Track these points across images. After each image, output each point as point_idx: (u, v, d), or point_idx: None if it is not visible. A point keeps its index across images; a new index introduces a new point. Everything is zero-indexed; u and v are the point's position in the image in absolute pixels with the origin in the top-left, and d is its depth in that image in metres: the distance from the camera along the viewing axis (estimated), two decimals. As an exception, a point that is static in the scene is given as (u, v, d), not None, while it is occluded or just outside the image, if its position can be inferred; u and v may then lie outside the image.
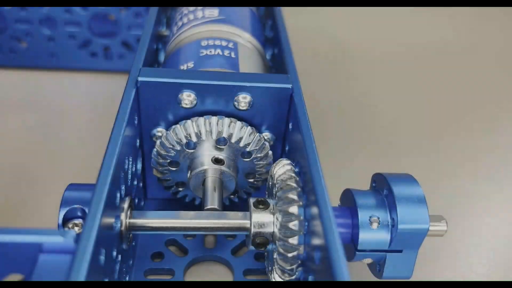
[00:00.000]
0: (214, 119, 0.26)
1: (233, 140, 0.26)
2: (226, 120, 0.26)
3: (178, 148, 0.26)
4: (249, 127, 0.26)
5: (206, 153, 0.26)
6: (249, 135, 0.26)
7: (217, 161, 0.26)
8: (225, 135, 0.26)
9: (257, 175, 0.28)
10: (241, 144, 0.26)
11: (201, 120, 0.26)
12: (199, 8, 0.33)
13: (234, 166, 0.26)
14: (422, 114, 0.44)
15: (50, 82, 0.44)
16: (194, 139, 0.26)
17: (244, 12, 0.35)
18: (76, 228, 0.21)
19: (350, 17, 0.60)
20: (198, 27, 0.31)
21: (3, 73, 0.44)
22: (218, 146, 0.26)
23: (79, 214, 0.22)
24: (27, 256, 0.17)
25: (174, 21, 0.35)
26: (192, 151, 0.26)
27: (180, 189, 0.29)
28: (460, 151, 0.40)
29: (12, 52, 0.43)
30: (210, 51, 0.29)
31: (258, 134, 0.26)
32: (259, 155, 0.26)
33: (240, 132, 0.26)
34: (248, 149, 0.26)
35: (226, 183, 0.26)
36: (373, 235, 0.23)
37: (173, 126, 0.26)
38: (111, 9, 0.41)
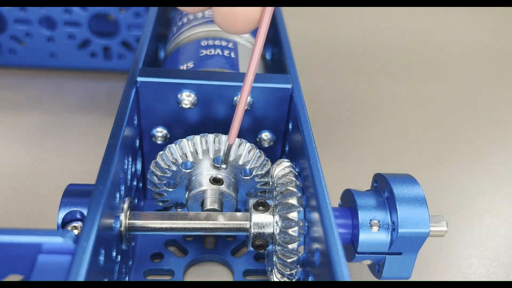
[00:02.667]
0: (210, 137, 0.25)
1: (231, 158, 0.25)
2: (224, 137, 0.25)
3: (174, 168, 0.25)
4: (248, 144, 0.25)
5: (204, 173, 0.25)
6: (248, 152, 0.25)
7: (215, 180, 0.25)
8: (222, 153, 0.25)
9: (258, 194, 0.27)
10: (240, 162, 0.25)
11: (197, 138, 0.25)
12: (199, 8, 0.33)
13: (234, 185, 0.25)
14: (422, 114, 0.44)
15: (50, 82, 0.43)
16: (190, 158, 0.25)
17: (244, 12, 0.34)
18: (75, 231, 0.21)
19: (350, 17, 0.60)
20: (198, 27, 0.31)
21: (3, 73, 0.44)
22: (216, 165, 0.25)
23: (78, 216, 0.22)
24: (27, 256, 0.17)
25: (174, 21, 0.35)
26: (189, 171, 0.25)
27: (179, 209, 0.28)
28: (461, 151, 0.40)
29: (12, 52, 0.43)
30: (210, 51, 0.29)
31: (258, 150, 0.25)
32: (260, 172, 0.25)
33: (238, 149, 0.25)
34: (248, 167, 0.25)
35: (226, 204, 0.25)
36: (373, 237, 0.22)
37: (168, 146, 0.25)
38: (110, 9, 0.41)
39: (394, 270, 0.23)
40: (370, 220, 0.22)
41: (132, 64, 0.27)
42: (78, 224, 0.22)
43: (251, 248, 0.23)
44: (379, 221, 0.22)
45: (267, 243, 0.23)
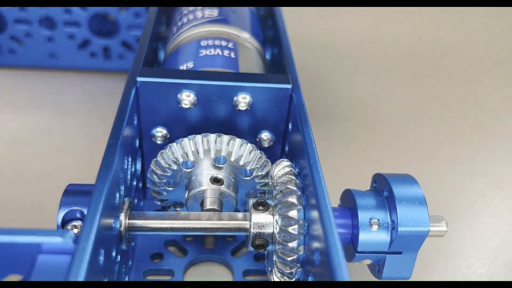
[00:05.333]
0: (212, 136, 0.24)
1: (232, 158, 0.24)
2: (225, 137, 0.25)
3: (175, 167, 0.25)
4: (249, 145, 0.25)
5: (205, 172, 0.25)
6: (249, 153, 0.25)
7: (215, 180, 0.25)
8: (224, 153, 0.24)
9: (258, 194, 0.27)
10: (241, 163, 0.25)
11: (198, 138, 0.24)
12: (199, 8, 0.33)
13: (234, 186, 0.25)
14: (422, 114, 0.44)
15: (50, 82, 0.43)
16: (191, 158, 0.24)
17: (244, 12, 0.34)
18: (75, 230, 0.21)
19: (350, 17, 0.60)
20: (197, 27, 0.31)
21: (3, 73, 0.44)
22: (217, 165, 0.25)
23: (78, 215, 0.22)
24: (26, 256, 0.17)
25: (174, 21, 0.35)
26: (189, 170, 0.25)
27: (178, 208, 0.28)
28: (460, 151, 0.40)
29: (12, 53, 0.43)
30: (210, 51, 0.29)
31: (259, 151, 0.25)
32: (260, 173, 0.25)
33: (239, 150, 0.25)
34: (248, 168, 0.25)
35: (225, 204, 0.25)
36: (372, 237, 0.22)
37: (170, 145, 0.25)
38: (110, 9, 0.41)
39: (394, 269, 0.23)
40: (370, 219, 0.22)
41: (132, 64, 0.27)
42: (78, 223, 0.22)
43: (251, 248, 0.23)
44: (378, 220, 0.22)
45: (267, 243, 0.23)
